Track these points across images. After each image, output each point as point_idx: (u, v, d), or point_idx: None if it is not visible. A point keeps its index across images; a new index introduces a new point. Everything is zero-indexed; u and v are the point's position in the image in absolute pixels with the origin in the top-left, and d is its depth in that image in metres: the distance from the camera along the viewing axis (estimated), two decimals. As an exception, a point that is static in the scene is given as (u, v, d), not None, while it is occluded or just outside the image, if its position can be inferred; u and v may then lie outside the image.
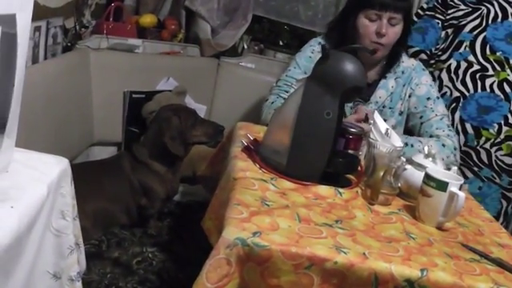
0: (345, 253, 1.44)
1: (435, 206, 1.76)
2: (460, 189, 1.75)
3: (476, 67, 2.86)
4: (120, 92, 3.18)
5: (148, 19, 3.54)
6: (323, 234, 1.53)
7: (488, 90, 2.83)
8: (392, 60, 2.60)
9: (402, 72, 2.61)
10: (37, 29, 2.66)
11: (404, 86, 2.61)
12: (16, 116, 1.36)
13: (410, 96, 2.61)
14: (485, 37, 2.86)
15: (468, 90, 2.86)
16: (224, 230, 1.45)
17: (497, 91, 2.81)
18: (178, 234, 2.70)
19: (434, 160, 1.97)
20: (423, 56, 3.01)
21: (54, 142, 2.61)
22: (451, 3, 3.00)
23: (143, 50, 3.41)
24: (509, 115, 2.80)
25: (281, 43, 4.13)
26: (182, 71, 3.45)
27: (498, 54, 2.82)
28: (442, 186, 1.74)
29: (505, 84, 2.81)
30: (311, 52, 2.61)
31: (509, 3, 2.87)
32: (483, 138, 2.84)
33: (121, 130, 3.22)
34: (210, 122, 2.91)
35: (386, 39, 2.45)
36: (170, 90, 3.30)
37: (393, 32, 2.46)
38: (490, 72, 2.83)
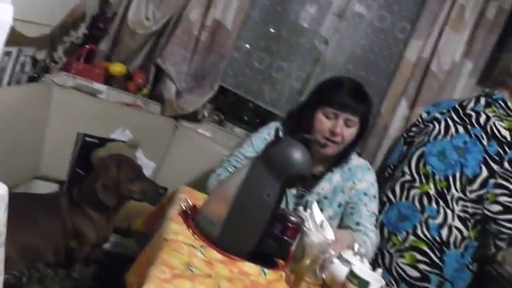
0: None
1: (354, 302, 1.82)
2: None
3: (407, 177, 2.99)
4: (74, 132, 3.19)
5: (117, 68, 3.59)
6: (238, 309, 1.56)
7: (410, 200, 2.95)
8: (341, 158, 2.65)
9: (349, 169, 2.68)
10: (7, 53, 2.69)
11: (347, 180, 2.66)
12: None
13: (350, 189, 2.65)
14: (423, 151, 3.00)
15: (395, 197, 2.99)
16: (144, 287, 1.47)
17: (416, 202, 2.92)
18: (100, 282, 2.67)
19: (362, 259, 2.03)
20: (389, 170, 3.25)
21: (-3, 165, 2.60)
22: (417, 122, 3.19)
23: (106, 97, 3.43)
24: (418, 226, 2.89)
25: (243, 118, 4.21)
26: (140, 125, 3.48)
27: (427, 167, 2.94)
28: (364, 285, 1.82)
29: (424, 196, 2.91)
30: (267, 134, 2.66)
31: (454, 121, 2.99)
32: (390, 243, 2.93)
33: (67, 170, 3.22)
34: (152, 183, 2.87)
35: (339, 138, 2.51)
36: (123, 141, 3.32)
37: (347, 133, 2.52)
38: (417, 184, 2.95)
